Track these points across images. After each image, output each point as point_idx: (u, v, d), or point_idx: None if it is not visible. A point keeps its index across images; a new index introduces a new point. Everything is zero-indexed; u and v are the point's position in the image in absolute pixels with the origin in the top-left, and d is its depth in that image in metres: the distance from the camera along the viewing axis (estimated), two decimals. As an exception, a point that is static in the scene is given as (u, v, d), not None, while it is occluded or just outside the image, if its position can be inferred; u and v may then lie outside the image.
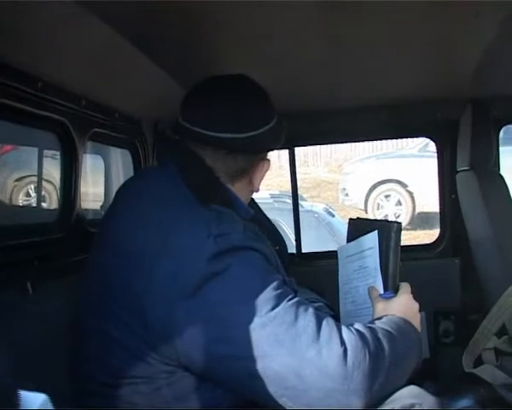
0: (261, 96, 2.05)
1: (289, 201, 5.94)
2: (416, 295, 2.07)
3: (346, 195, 12.47)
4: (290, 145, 3.72)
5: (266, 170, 2.09)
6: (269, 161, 2.09)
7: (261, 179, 2.09)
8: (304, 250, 3.87)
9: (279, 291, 1.76)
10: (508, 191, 3.24)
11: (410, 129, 3.86)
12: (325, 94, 3.19)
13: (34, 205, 3.67)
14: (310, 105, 3.38)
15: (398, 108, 3.47)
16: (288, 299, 1.76)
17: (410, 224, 11.65)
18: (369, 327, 1.86)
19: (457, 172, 3.46)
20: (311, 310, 1.80)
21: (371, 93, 3.22)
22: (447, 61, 2.66)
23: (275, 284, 1.76)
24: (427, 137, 4.08)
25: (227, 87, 2.02)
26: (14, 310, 1.91)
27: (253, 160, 2.03)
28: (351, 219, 2.38)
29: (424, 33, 2.24)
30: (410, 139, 11.54)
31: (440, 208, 3.81)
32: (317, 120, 3.53)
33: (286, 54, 2.39)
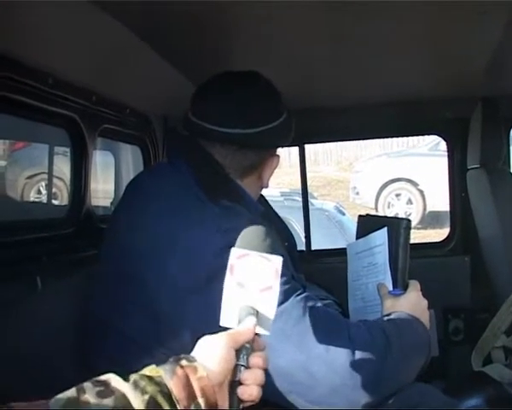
0: (270, 93, 2.05)
1: (299, 199, 5.94)
2: (425, 293, 2.07)
3: (357, 193, 12.45)
4: (300, 142, 3.72)
5: (275, 166, 2.09)
6: (278, 156, 2.09)
7: (270, 175, 2.10)
8: (313, 248, 3.88)
9: (287, 286, 1.76)
10: None
11: (420, 127, 3.85)
12: (335, 91, 3.19)
13: (45, 201, 3.69)
14: (320, 102, 3.38)
15: (409, 105, 3.46)
16: (296, 294, 1.77)
17: (420, 222, 11.62)
18: (378, 324, 1.86)
19: (468, 170, 3.45)
20: (319, 306, 1.81)
21: (381, 91, 3.21)
22: (457, 59, 2.65)
23: (283, 279, 1.75)
24: (437, 135, 4.07)
25: (236, 83, 2.02)
26: (24, 305, 1.92)
27: (262, 156, 2.03)
28: (360, 216, 2.38)
29: (434, 32, 2.24)
30: (421, 138, 11.55)
31: (450, 206, 3.80)
32: (326, 117, 3.52)
33: (296, 51, 2.39)
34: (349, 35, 2.25)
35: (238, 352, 1.30)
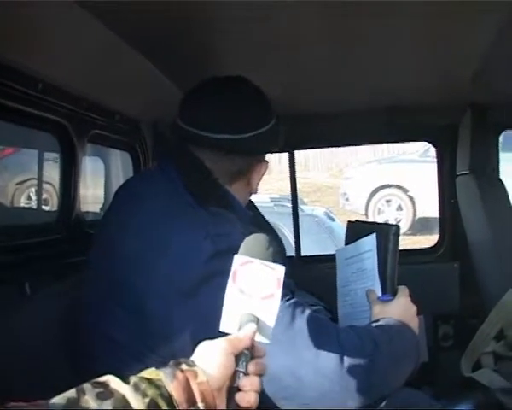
0: (259, 98, 2.05)
1: (289, 205, 5.94)
2: (415, 299, 2.07)
3: (347, 199, 12.47)
4: (290, 148, 3.72)
5: (264, 172, 2.09)
6: (267, 162, 2.09)
7: (259, 181, 2.10)
8: (303, 254, 3.89)
9: None
10: (507, 196, 3.24)
11: (410, 133, 3.85)
12: (325, 97, 3.19)
13: (34, 207, 3.67)
14: (310, 108, 3.39)
15: (399, 112, 3.46)
16: (285, 300, 1.77)
17: (410, 229, 11.65)
18: (367, 329, 1.86)
19: (457, 176, 3.46)
20: (308, 311, 1.81)
21: (371, 97, 3.22)
22: (447, 65, 2.65)
23: None
24: (427, 141, 4.08)
25: (225, 88, 2.02)
26: (12, 310, 1.91)
27: (250, 161, 2.03)
28: (349, 222, 2.39)
29: (424, 38, 2.25)
30: (411, 144, 11.58)
31: (440, 213, 3.81)
32: (316, 123, 3.53)
33: (286, 57, 2.39)
34: (339, 41, 2.26)
35: (237, 358, 1.31)
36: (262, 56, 2.37)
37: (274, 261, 1.42)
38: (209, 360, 1.27)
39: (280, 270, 1.39)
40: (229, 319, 1.36)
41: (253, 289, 1.36)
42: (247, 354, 1.32)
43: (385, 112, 3.46)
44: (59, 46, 1.92)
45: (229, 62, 2.43)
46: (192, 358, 1.29)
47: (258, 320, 1.35)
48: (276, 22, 1.99)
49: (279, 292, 1.37)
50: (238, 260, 1.40)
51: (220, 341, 1.29)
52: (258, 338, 1.36)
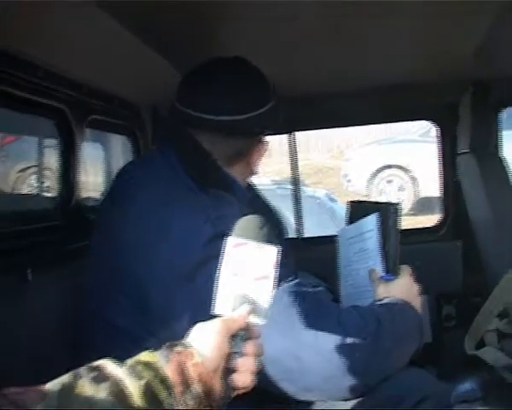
0: (257, 78, 2.04)
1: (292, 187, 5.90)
2: (418, 278, 2.07)
3: (349, 181, 12.46)
4: (290, 130, 3.70)
5: (264, 152, 2.08)
6: (267, 143, 2.09)
7: (259, 162, 2.09)
8: (305, 236, 3.88)
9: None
10: (507, 174, 3.22)
11: (410, 112, 3.83)
12: (326, 77, 3.17)
13: (35, 194, 3.67)
14: (310, 88, 3.36)
15: (399, 91, 3.44)
16: (286, 281, 1.76)
17: (412, 209, 11.64)
18: (370, 309, 1.86)
19: (458, 154, 3.45)
20: (309, 292, 1.80)
21: (372, 76, 3.20)
22: (447, 43, 2.63)
23: None
24: (428, 120, 4.05)
25: (222, 70, 2.02)
26: (14, 297, 1.91)
27: (250, 142, 2.03)
28: (350, 202, 2.38)
29: (425, 15, 2.22)
30: (412, 124, 11.54)
31: (442, 192, 3.79)
32: (317, 103, 3.51)
33: (286, 37, 2.37)
34: (338, 21, 2.24)
35: (232, 339, 1.30)
36: (261, 37, 2.35)
37: (268, 242, 1.41)
38: (204, 342, 1.27)
39: (274, 251, 1.37)
40: (222, 301, 1.36)
41: (246, 271, 1.35)
42: (242, 335, 1.31)
43: (385, 91, 3.44)
44: (58, 32, 1.91)
45: (228, 44, 2.42)
46: (187, 339, 1.28)
47: (252, 301, 1.34)
48: (274, 4, 1.97)
49: (273, 273, 1.35)
50: (231, 241, 1.38)
51: (215, 322, 1.29)
52: (254, 319, 1.35)
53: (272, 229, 1.45)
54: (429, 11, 2.17)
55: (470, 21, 2.30)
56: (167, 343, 1.28)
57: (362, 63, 2.92)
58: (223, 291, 1.36)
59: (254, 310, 1.34)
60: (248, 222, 1.45)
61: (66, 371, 1.19)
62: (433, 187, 10.20)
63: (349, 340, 1.74)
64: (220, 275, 1.36)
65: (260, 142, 2.06)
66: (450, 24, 2.33)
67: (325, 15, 2.16)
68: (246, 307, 1.33)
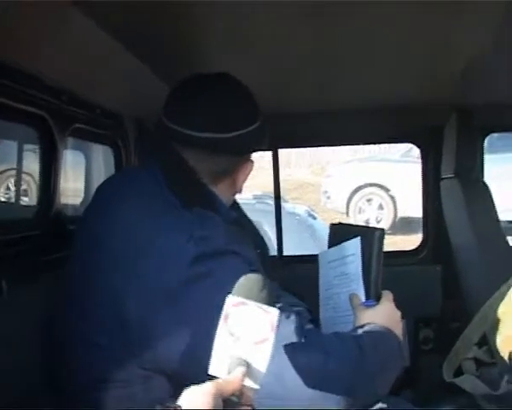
0: (245, 96, 2.02)
1: (271, 202, 5.89)
2: (398, 303, 2.05)
3: (328, 197, 12.48)
4: (274, 147, 3.69)
5: (250, 171, 2.06)
6: (252, 162, 2.06)
7: (244, 181, 2.07)
8: (285, 253, 3.86)
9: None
10: (492, 200, 3.23)
11: (394, 134, 3.84)
12: (310, 97, 3.16)
13: (12, 201, 3.62)
14: (294, 107, 3.36)
15: (383, 112, 3.45)
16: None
17: (390, 228, 11.67)
18: (352, 335, 1.84)
19: (442, 179, 3.45)
20: (293, 317, 1.78)
21: (356, 97, 3.20)
22: (433, 67, 2.64)
23: None
24: (411, 142, 4.06)
25: (210, 86, 1.99)
26: None
27: (236, 161, 2.00)
28: (332, 224, 2.36)
29: (410, 40, 2.23)
30: (393, 144, 11.59)
31: (423, 215, 3.80)
32: (301, 122, 3.51)
33: (271, 54, 2.36)
34: (324, 41, 2.23)
35: (225, 403, 1.26)
36: (248, 54, 2.34)
37: (269, 304, 1.37)
38: (196, 405, 1.23)
39: (275, 313, 1.33)
40: (218, 362, 1.31)
41: (244, 333, 1.30)
42: (235, 402, 1.27)
43: (370, 113, 3.44)
44: (40, 38, 1.88)
45: (214, 58, 2.40)
46: (179, 402, 1.25)
47: (248, 365, 1.30)
48: (260, 20, 1.96)
49: (272, 337, 1.31)
50: (231, 300, 1.34)
51: (207, 385, 1.25)
52: (248, 383, 1.31)
53: (273, 289, 1.42)
54: (415, 35, 2.17)
55: (455, 47, 2.30)
56: (158, 405, 1.25)
57: (347, 84, 2.92)
58: (219, 352, 1.31)
59: (250, 373, 1.30)
60: (250, 281, 1.41)
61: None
62: (412, 207, 10.26)
63: (331, 367, 1.72)
64: (217, 334, 1.31)
65: (247, 160, 2.03)
66: (435, 49, 2.33)
67: (310, 35, 2.15)
68: (241, 370, 1.29)
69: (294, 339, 1.72)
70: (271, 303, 1.39)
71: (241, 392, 1.29)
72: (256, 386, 1.33)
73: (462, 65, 2.53)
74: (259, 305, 1.34)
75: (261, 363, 1.31)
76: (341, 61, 2.50)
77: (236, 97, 1.99)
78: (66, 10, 1.70)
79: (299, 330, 1.75)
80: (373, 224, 11.23)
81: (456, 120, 3.25)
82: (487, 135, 3.61)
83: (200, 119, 1.91)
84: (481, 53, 2.33)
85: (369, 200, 12.14)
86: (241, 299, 1.34)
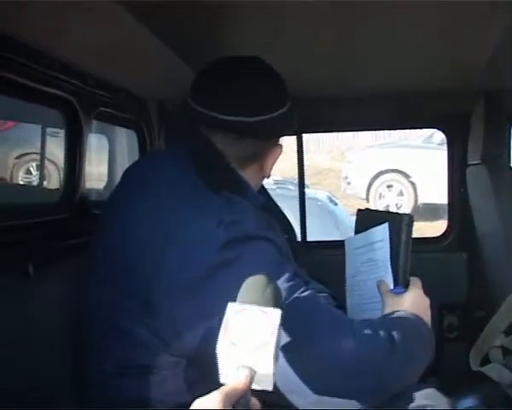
0: (274, 80, 1.99)
1: (292, 187, 5.87)
2: (426, 291, 2.03)
3: (348, 183, 12.46)
4: (298, 131, 3.67)
5: (278, 156, 2.03)
6: (281, 146, 2.04)
7: (272, 165, 2.04)
8: (308, 239, 3.85)
9: (291, 283, 1.71)
10: None
11: (420, 120, 3.81)
12: (336, 81, 3.14)
13: (36, 184, 3.64)
14: (320, 92, 3.34)
15: (409, 98, 3.42)
16: (300, 291, 1.72)
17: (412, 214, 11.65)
18: (382, 323, 1.82)
19: (468, 165, 3.42)
20: (323, 303, 1.77)
21: (382, 82, 3.17)
22: (460, 52, 2.61)
23: (287, 275, 1.72)
24: (437, 128, 4.03)
25: (239, 70, 1.96)
26: (16, 293, 1.87)
27: (264, 145, 1.98)
28: (359, 210, 2.34)
29: (437, 25, 2.20)
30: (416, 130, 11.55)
31: (449, 201, 3.77)
32: (326, 107, 3.49)
33: (298, 39, 2.34)
34: (351, 26, 2.21)
35: (234, 408, 1.25)
36: (273, 38, 2.32)
37: (272, 304, 1.36)
38: None
39: (275, 315, 1.32)
40: (225, 371, 1.31)
41: (245, 341, 1.29)
42: (243, 403, 1.27)
43: (395, 97, 3.42)
44: (66, 22, 1.87)
45: (239, 42, 2.38)
46: None
47: (254, 370, 1.29)
48: (288, 7, 1.93)
49: (273, 339, 1.30)
50: (232, 308, 1.33)
51: (215, 394, 1.24)
52: (256, 386, 1.30)
53: (277, 289, 1.40)
54: (442, 21, 2.14)
55: (482, 32, 2.27)
56: None
57: (373, 70, 2.89)
58: (223, 362, 1.30)
59: (258, 378, 1.30)
60: (252, 284, 1.39)
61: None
62: (433, 194, 10.22)
63: (363, 354, 1.70)
64: (219, 343, 1.30)
65: (275, 145, 2.01)
66: (462, 35, 2.30)
67: (337, 20, 2.13)
68: (244, 375, 1.28)
69: (326, 327, 1.71)
70: (277, 302, 1.37)
71: (248, 396, 1.28)
72: (268, 388, 1.32)
73: (489, 51, 2.50)
74: (260, 308, 1.33)
75: (266, 366, 1.30)
76: (366, 47, 2.48)
77: (265, 81, 1.96)
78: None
79: (331, 318, 1.74)
80: (393, 210, 11.20)
81: (484, 106, 3.23)
82: (515, 121, 3.58)
83: (229, 102, 1.89)
84: (507, 39, 2.29)
85: (389, 186, 12.11)
86: (241, 305, 1.34)
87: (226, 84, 1.92)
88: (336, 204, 8.80)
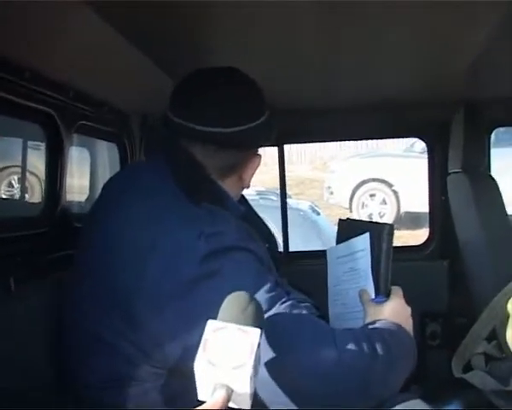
0: (252, 90, 2.00)
1: (274, 198, 5.88)
2: (408, 299, 2.04)
3: (331, 193, 12.47)
4: (279, 142, 3.69)
5: (257, 166, 2.04)
6: (260, 156, 2.05)
7: (252, 176, 2.05)
8: (290, 249, 3.86)
9: (272, 294, 1.72)
10: (500, 194, 3.22)
11: (401, 129, 3.84)
12: (317, 92, 3.16)
13: (17, 198, 3.62)
14: (301, 103, 3.36)
15: (391, 108, 3.45)
16: (281, 302, 1.73)
17: (394, 223, 11.66)
18: (363, 332, 1.83)
19: (449, 173, 3.44)
20: (305, 313, 1.77)
21: (363, 93, 3.19)
22: (440, 62, 2.63)
23: (268, 286, 1.73)
24: (418, 137, 4.06)
25: (217, 80, 1.97)
26: None
27: (243, 155, 1.99)
28: (341, 220, 2.35)
29: (418, 35, 2.22)
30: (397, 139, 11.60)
31: (430, 210, 3.80)
32: (307, 117, 3.50)
33: (279, 49, 2.35)
34: (332, 37, 2.22)
35: None
36: (255, 50, 2.33)
37: (252, 323, 1.36)
38: None
39: (254, 334, 1.32)
40: (202, 388, 1.30)
41: (223, 359, 1.29)
42: None
43: (377, 108, 3.44)
44: (47, 35, 1.87)
45: (221, 54, 2.39)
46: None
47: (230, 388, 1.28)
48: (268, 16, 1.94)
49: (251, 360, 1.29)
50: (211, 326, 1.33)
51: None
52: (233, 405, 1.30)
53: (258, 307, 1.40)
54: (423, 33, 2.16)
55: (461, 43, 2.29)
56: None
57: (354, 80, 2.91)
58: (201, 380, 1.30)
59: (235, 397, 1.29)
60: (233, 301, 1.39)
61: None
62: (415, 202, 10.25)
63: (345, 364, 1.71)
64: (196, 361, 1.29)
65: (254, 155, 2.02)
66: (442, 45, 2.32)
67: (320, 31, 2.14)
68: (221, 394, 1.27)
69: (307, 337, 1.72)
70: (258, 320, 1.37)
71: None
72: (246, 407, 1.32)
73: (468, 60, 2.52)
74: (240, 327, 1.33)
75: (243, 386, 1.29)
76: (347, 58, 2.50)
77: (243, 91, 1.97)
78: (74, 7, 1.69)
79: (312, 327, 1.75)
80: (376, 219, 11.23)
81: (464, 115, 3.25)
82: (494, 129, 3.62)
83: (207, 113, 1.90)
84: (487, 48, 2.32)
85: (372, 195, 12.13)
86: (220, 324, 1.33)
87: (204, 96, 1.93)
88: (319, 214, 8.82)
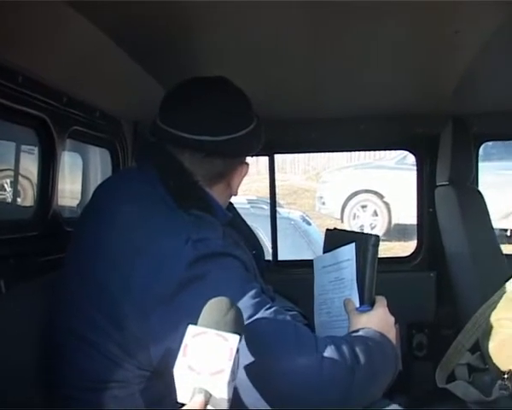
0: (240, 99, 2.03)
1: (266, 207, 5.89)
2: (392, 309, 2.06)
3: (323, 203, 12.47)
4: (270, 152, 3.71)
5: (245, 174, 2.08)
6: (247, 164, 2.08)
7: (239, 183, 2.08)
8: (279, 258, 3.88)
9: (257, 300, 1.75)
10: (486, 208, 3.25)
11: (390, 141, 3.88)
12: (308, 103, 3.19)
13: (9, 201, 3.62)
14: (291, 113, 3.38)
15: (380, 120, 3.47)
16: (265, 308, 1.75)
17: (385, 235, 11.68)
18: (346, 340, 1.85)
19: (436, 186, 3.47)
20: (288, 320, 1.79)
21: (354, 105, 3.22)
22: (429, 76, 2.67)
23: (253, 292, 1.75)
24: (407, 150, 4.10)
25: (205, 89, 2.00)
26: None
27: (231, 163, 2.02)
28: (328, 230, 2.37)
29: (407, 50, 2.25)
30: (388, 151, 11.62)
31: (418, 222, 3.82)
32: (298, 128, 3.53)
33: (270, 60, 2.38)
34: (323, 49, 2.25)
35: None
36: (246, 59, 2.36)
37: (232, 328, 1.39)
38: None
39: (233, 340, 1.35)
40: (182, 392, 1.33)
41: (202, 365, 1.32)
42: None
43: (367, 120, 3.46)
44: (41, 40, 1.89)
45: (212, 63, 2.42)
46: None
47: (209, 393, 1.31)
48: (258, 27, 1.98)
49: (229, 365, 1.32)
50: (191, 331, 1.36)
51: None
52: (211, 408, 1.32)
53: (238, 313, 1.43)
54: (410, 45, 2.19)
55: (451, 57, 2.32)
56: None
57: (344, 92, 2.94)
58: (181, 384, 1.33)
59: (213, 401, 1.32)
60: (214, 305, 1.42)
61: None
62: (406, 214, 10.27)
63: (326, 370, 1.73)
64: (176, 366, 1.33)
65: (241, 163, 2.05)
66: (432, 59, 2.36)
67: (307, 42, 2.17)
68: (198, 399, 1.30)
69: (290, 343, 1.74)
70: (237, 326, 1.40)
71: None
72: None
73: (457, 77, 2.56)
74: (219, 333, 1.36)
75: (221, 391, 1.32)
76: (338, 70, 2.53)
77: (231, 100, 2.00)
78: (67, 13, 1.72)
79: (295, 334, 1.77)
80: (367, 230, 11.24)
81: (452, 129, 3.28)
82: (482, 143, 3.65)
83: (196, 121, 1.93)
84: (476, 63, 2.35)
85: (363, 206, 12.14)
86: (200, 329, 1.36)
87: (192, 104, 1.95)
88: (310, 224, 8.82)
